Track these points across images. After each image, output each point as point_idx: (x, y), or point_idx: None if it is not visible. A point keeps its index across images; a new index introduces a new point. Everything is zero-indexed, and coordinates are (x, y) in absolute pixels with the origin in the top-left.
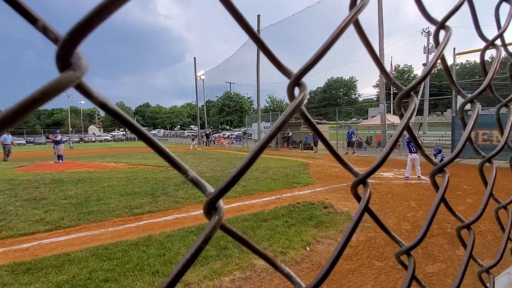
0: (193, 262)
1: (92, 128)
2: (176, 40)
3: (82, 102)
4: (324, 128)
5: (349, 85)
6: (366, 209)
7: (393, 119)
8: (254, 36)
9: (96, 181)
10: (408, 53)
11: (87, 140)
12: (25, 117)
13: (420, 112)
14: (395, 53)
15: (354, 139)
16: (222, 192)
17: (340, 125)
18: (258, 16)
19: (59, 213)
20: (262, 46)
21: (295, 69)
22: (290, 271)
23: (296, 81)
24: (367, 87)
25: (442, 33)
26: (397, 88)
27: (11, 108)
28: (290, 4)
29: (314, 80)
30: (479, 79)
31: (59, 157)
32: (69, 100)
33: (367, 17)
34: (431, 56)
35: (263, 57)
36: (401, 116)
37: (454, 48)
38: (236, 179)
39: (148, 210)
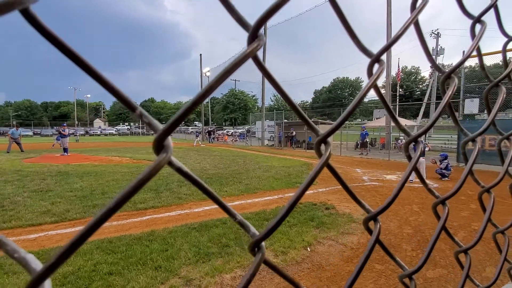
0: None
1: (98, 122)
2: (182, 36)
3: (89, 95)
4: (328, 128)
5: (355, 86)
6: (377, 241)
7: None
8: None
9: (101, 174)
10: (416, 54)
11: (92, 133)
12: (137, 191)
13: (426, 114)
14: (403, 55)
15: (367, 140)
16: (266, 235)
17: (344, 126)
18: None
19: (65, 205)
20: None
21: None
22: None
23: (323, 139)
24: None
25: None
26: (404, 132)
27: (126, 190)
28: (293, 4)
29: (320, 80)
30: (486, 83)
31: (65, 149)
32: (75, 93)
33: (375, 19)
34: (439, 59)
35: (269, 55)
36: (408, 159)
37: (464, 51)
38: (277, 225)
39: (152, 205)
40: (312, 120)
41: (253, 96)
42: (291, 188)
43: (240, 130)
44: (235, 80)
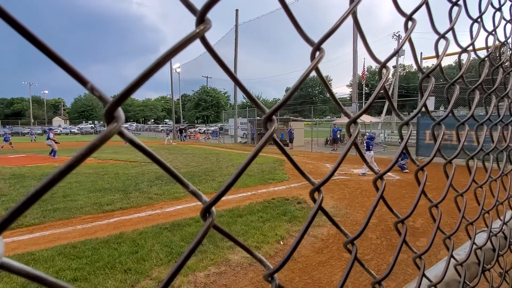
0: (192, 254)
1: (57, 120)
2: (150, 30)
3: (46, 91)
4: (300, 125)
5: None
6: (320, 208)
7: (364, 118)
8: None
9: None
10: (380, 55)
11: None
12: (86, 158)
13: (389, 111)
14: (368, 55)
15: (338, 136)
16: (215, 201)
17: (315, 123)
18: (237, 10)
19: None
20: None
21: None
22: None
23: (269, 117)
24: (341, 86)
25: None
26: (346, 115)
27: (82, 151)
28: (267, 1)
29: (292, 78)
30: (443, 82)
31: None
32: (31, 88)
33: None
34: (401, 59)
35: (241, 53)
36: (349, 136)
37: (421, 53)
38: (226, 190)
39: (120, 206)
40: (284, 117)
41: (225, 93)
42: (264, 184)
43: (212, 128)
44: (207, 77)
